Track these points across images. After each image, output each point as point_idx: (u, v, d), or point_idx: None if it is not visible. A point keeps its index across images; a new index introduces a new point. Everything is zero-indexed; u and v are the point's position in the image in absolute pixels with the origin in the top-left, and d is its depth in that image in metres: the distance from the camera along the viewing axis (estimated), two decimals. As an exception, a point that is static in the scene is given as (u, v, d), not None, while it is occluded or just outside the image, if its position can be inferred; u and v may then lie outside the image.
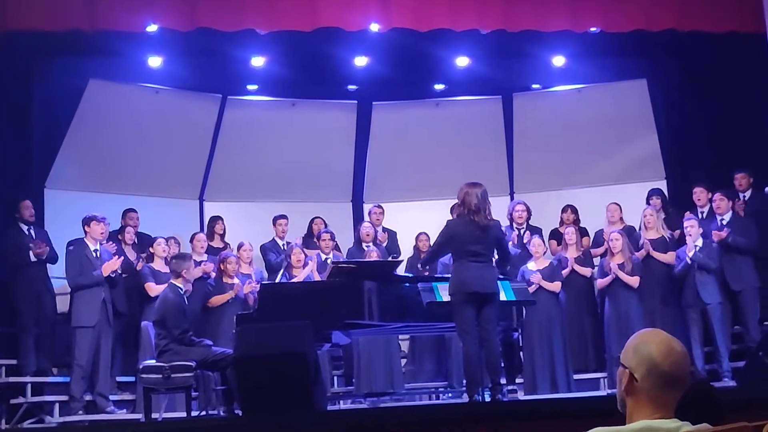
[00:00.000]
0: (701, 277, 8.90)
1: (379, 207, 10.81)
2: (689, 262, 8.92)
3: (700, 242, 8.95)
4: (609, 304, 9.25)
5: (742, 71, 10.35)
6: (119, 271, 8.96)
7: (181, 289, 7.95)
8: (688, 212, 9.60)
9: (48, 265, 9.20)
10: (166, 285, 8.19)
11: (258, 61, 10.77)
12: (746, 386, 7.64)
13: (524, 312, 8.67)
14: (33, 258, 8.92)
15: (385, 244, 10.38)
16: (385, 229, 10.68)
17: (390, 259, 9.63)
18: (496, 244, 7.27)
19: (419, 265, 9.13)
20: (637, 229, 9.95)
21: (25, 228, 9.12)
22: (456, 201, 7.53)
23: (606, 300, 9.31)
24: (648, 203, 10.14)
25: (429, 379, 9.86)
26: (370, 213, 10.82)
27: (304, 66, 10.96)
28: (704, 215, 9.59)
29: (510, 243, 9.70)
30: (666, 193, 10.73)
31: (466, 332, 7.04)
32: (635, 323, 8.65)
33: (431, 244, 9.72)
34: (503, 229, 8.01)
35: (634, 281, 9.12)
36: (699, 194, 9.72)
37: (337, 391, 9.78)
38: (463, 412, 6.36)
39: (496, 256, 7.47)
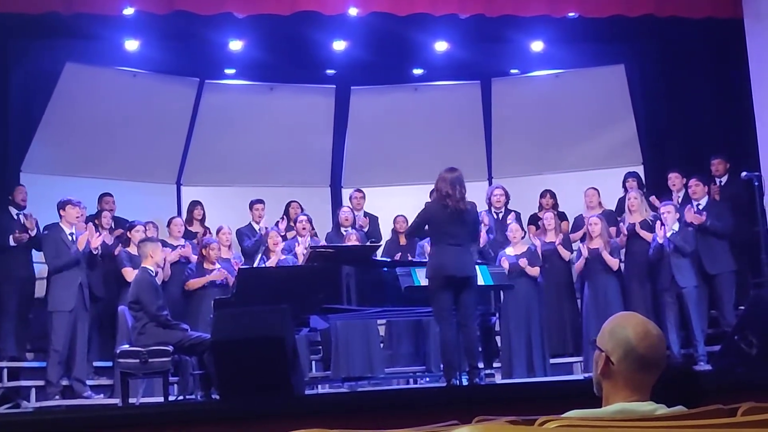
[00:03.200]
0: (677, 261, 8.94)
1: (360, 191, 10.81)
2: (659, 242, 8.96)
3: (676, 226, 8.99)
4: (588, 288, 9.31)
5: (719, 56, 10.39)
6: (99, 250, 8.93)
7: (152, 271, 7.95)
8: (653, 197, 9.68)
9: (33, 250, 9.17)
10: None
11: (236, 45, 10.71)
12: (721, 370, 7.69)
13: (502, 296, 8.70)
14: (12, 243, 8.85)
15: (366, 229, 10.37)
16: (366, 214, 10.67)
17: (369, 243, 9.63)
18: (472, 227, 7.29)
19: (404, 235, 9.14)
20: (615, 212, 10.04)
21: (14, 212, 9.06)
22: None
23: (585, 284, 9.36)
24: (624, 186, 10.21)
25: (406, 364, 9.87)
26: (351, 197, 10.81)
27: (282, 50, 10.91)
28: (679, 200, 9.65)
29: (482, 224, 9.74)
30: (643, 177, 10.77)
31: (442, 317, 7.07)
32: (614, 307, 8.70)
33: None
34: (480, 213, 8.03)
35: (614, 262, 9.17)
36: (674, 179, 9.81)
37: (315, 375, 9.78)
38: (441, 395, 6.38)
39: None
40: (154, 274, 8.00)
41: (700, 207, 9.26)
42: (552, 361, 9.36)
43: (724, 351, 8.00)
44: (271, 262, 9.15)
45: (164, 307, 7.83)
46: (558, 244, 9.58)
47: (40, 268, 9.26)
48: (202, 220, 10.39)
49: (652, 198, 9.69)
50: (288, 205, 10.71)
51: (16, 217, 9.04)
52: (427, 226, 7.33)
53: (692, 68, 10.93)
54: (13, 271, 8.96)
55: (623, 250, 9.47)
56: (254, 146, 11.71)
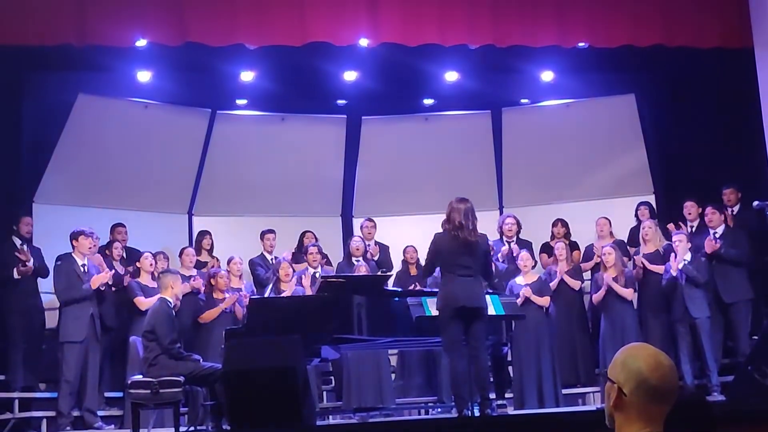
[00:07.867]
0: (689, 291, 8.89)
1: (371, 221, 10.81)
2: (673, 274, 8.92)
3: (688, 256, 8.95)
4: (604, 319, 9.24)
5: (729, 86, 10.39)
6: (109, 284, 8.95)
7: (170, 303, 7.95)
8: (671, 225, 9.66)
9: (39, 279, 9.16)
10: (155, 298, 8.20)
11: (247, 76, 10.76)
12: (735, 400, 7.64)
13: (513, 326, 8.67)
14: (17, 275, 8.87)
15: (377, 258, 10.37)
16: (377, 243, 10.67)
17: (379, 273, 9.62)
18: (483, 259, 7.27)
19: (422, 277, 9.13)
20: (627, 241, 10.03)
21: (18, 243, 9.07)
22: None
23: (601, 315, 9.31)
24: (636, 216, 10.20)
25: (418, 394, 9.83)
26: (362, 227, 10.82)
27: (293, 81, 10.95)
28: (694, 229, 9.62)
29: (500, 255, 9.77)
30: (654, 207, 10.75)
31: (452, 348, 7.04)
32: (631, 337, 8.64)
33: (419, 257, 9.80)
34: (491, 243, 8.02)
35: (628, 293, 9.14)
36: (690, 208, 9.76)
37: (326, 406, 9.75)
38: (453, 427, 6.36)
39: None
40: (172, 306, 8.00)
41: (717, 235, 9.22)
42: (565, 391, 9.30)
43: (737, 381, 7.95)
44: (287, 293, 9.15)
45: (177, 341, 7.82)
46: (563, 273, 9.55)
47: (51, 298, 9.28)
48: (211, 250, 10.41)
49: (670, 225, 9.65)
50: (302, 235, 10.74)
51: (19, 247, 9.03)
52: (436, 258, 7.34)
53: (703, 97, 10.92)
54: (19, 302, 8.96)
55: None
56: (266, 176, 11.73)
